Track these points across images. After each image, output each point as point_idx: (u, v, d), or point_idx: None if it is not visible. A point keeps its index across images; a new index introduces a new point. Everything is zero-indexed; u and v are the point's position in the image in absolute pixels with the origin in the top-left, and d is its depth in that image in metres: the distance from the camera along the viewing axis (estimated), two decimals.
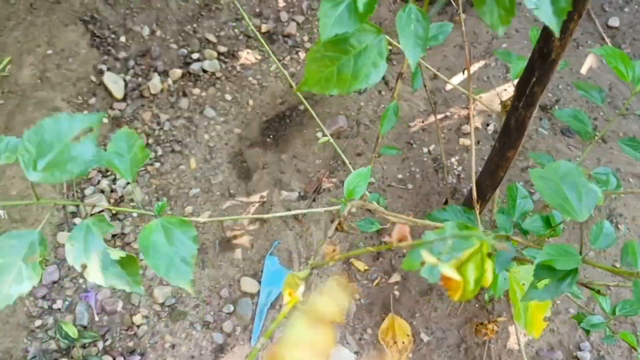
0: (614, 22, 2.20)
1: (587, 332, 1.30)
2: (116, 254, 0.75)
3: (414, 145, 1.96)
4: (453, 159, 1.92)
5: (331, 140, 1.11)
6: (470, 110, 1.06)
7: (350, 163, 1.88)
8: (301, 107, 2.03)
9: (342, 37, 0.76)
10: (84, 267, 0.74)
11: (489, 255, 0.61)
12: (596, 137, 1.48)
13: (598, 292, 0.93)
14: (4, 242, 0.71)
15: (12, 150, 0.75)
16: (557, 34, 0.67)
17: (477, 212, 1.23)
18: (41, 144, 0.71)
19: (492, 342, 1.65)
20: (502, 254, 0.98)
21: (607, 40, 2.13)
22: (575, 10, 0.84)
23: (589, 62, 2.10)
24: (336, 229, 0.98)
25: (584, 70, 2.10)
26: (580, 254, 0.80)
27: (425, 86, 1.39)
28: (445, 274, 0.61)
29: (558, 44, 0.91)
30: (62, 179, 0.70)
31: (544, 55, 0.97)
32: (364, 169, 1.01)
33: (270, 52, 1.09)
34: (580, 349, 1.65)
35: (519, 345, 1.19)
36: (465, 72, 1.99)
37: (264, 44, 1.14)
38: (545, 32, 0.95)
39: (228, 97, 2.04)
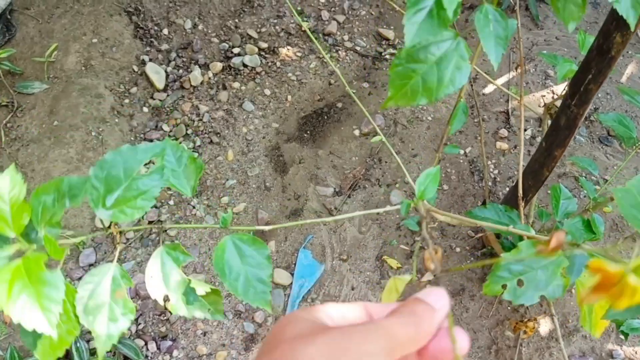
0: None
1: (626, 335, 1.30)
2: (201, 288, 0.74)
3: None
4: (489, 162, 1.92)
5: (384, 139, 1.11)
6: (521, 100, 1.07)
7: (386, 162, 1.89)
8: (339, 105, 2.05)
9: (421, 46, 0.75)
10: (166, 299, 0.74)
11: None
12: (638, 145, 1.47)
13: None
14: (88, 284, 0.69)
15: (77, 189, 0.72)
16: (632, 26, 0.68)
17: (522, 209, 1.24)
18: (108, 179, 0.68)
19: (524, 345, 1.64)
20: (576, 261, 0.99)
21: None
22: None
23: (629, 71, 2.10)
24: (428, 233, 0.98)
25: (623, 79, 2.09)
26: None
27: (471, 85, 1.40)
28: (633, 283, 0.55)
29: (619, 40, 0.92)
30: (134, 216, 0.65)
31: (603, 52, 0.97)
32: (432, 169, 1.00)
33: (320, 49, 1.11)
34: (612, 357, 1.63)
35: (561, 345, 1.19)
36: (517, 69, 1.99)
37: (315, 41, 1.16)
38: (606, 28, 0.95)
39: (267, 92, 2.07)
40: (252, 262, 0.78)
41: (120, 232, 0.80)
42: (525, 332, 1.39)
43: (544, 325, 1.67)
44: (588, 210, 1.55)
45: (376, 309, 0.38)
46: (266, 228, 0.90)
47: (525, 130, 1.99)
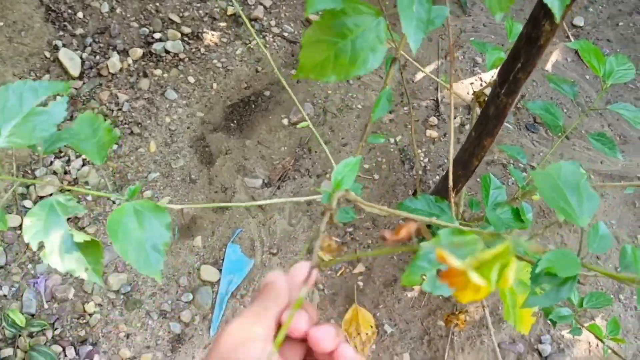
0: (579, 21, 2.23)
1: (554, 323, 1.30)
2: (80, 236, 0.68)
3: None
4: (419, 151, 1.91)
5: (311, 125, 1.06)
6: (451, 89, 1.04)
7: (316, 152, 1.84)
8: (267, 93, 1.98)
9: (338, 19, 0.70)
10: (42, 246, 0.68)
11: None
12: (565, 133, 1.48)
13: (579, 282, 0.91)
14: None
15: None
16: (557, 17, 0.65)
17: (453, 200, 1.22)
18: (4, 110, 0.64)
19: (455, 334, 1.64)
20: None
21: (572, 38, 2.16)
22: None
23: (554, 58, 2.12)
24: (328, 223, 0.94)
25: (548, 67, 2.12)
26: (578, 256, 0.78)
27: (401, 72, 1.37)
28: (473, 280, 0.54)
29: (549, 28, 0.89)
30: (32, 142, 0.63)
31: (532, 40, 0.95)
32: (352, 158, 0.95)
33: (253, 33, 1.04)
34: (541, 342, 1.66)
35: (491, 336, 1.18)
36: (446, 57, 1.98)
37: (249, 26, 1.09)
38: (534, 16, 0.93)
39: (191, 79, 1.97)
40: (150, 228, 0.72)
41: (14, 181, 0.73)
42: (457, 325, 1.39)
43: (475, 314, 1.67)
44: (517, 199, 1.55)
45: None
46: (177, 207, 0.82)
47: (454, 118, 1.99)
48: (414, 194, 1.75)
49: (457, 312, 1.39)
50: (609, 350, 1.25)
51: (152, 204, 0.75)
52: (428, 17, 0.70)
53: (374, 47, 0.70)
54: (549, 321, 1.43)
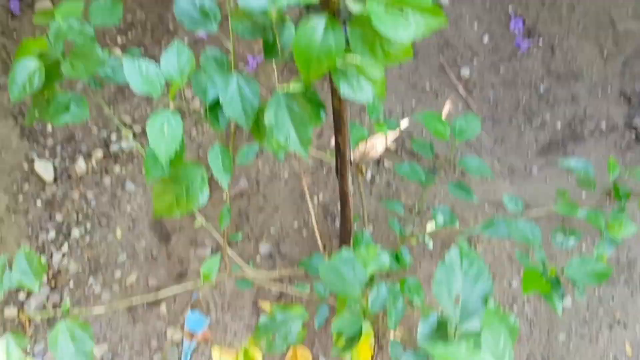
0: (465, 71, 2.58)
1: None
2: None
3: None
4: (336, 205, 2.28)
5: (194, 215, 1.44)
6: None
7: (253, 219, 2.22)
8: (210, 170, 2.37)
9: (175, 176, 1.12)
10: None
11: None
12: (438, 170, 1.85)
13: None
14: None
15: None
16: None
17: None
18: None
19: None
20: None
21: (461, 88, 2.51)
22: None
23: (446, 110, 2.47)
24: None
25: (443, 117, 2.48)
26: None
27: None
28: None
29: (337, 103, 1.22)
30: None
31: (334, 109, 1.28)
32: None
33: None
34: None
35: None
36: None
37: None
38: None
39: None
40: (80, 339, 1.11)
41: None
42: None
43: None
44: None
45: None
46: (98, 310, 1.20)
47: (366, 170, 2.36)
48: (324, 248, 2.12)
49: None
50: None
51: (79, 322, 1.14)
52: (230, 164, 1.11)
53: (201, 187, 1.13)
54: None
